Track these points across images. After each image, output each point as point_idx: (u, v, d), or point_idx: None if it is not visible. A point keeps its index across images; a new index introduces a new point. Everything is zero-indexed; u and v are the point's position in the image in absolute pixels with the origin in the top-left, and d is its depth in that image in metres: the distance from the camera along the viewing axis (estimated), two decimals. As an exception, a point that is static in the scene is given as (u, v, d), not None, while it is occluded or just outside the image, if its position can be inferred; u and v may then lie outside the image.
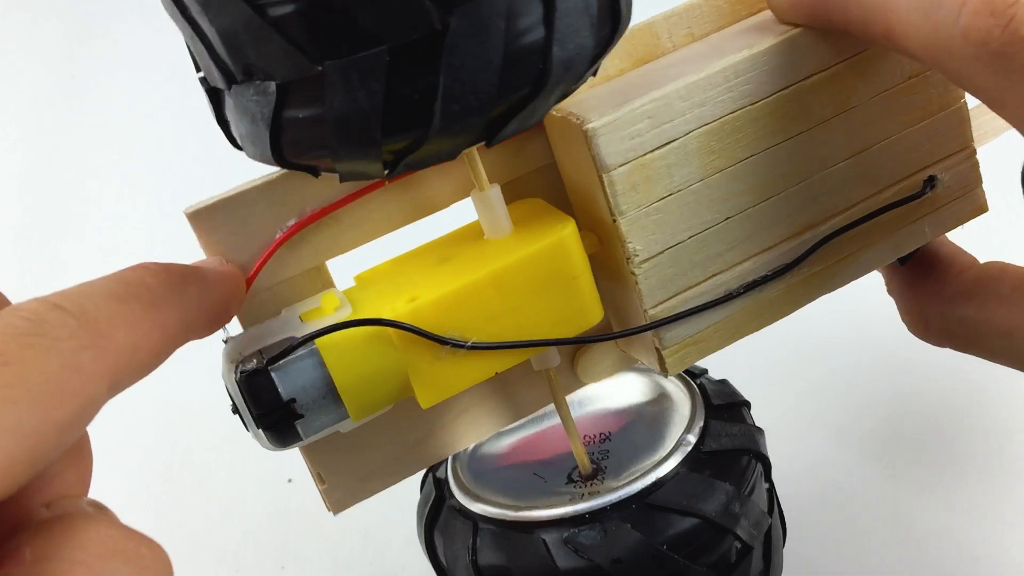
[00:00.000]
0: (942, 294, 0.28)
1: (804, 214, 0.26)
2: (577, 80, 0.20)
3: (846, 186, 0.26)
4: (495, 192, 0.24)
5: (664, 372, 0.26)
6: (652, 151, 0.24)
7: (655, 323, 0.25)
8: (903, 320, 0.30)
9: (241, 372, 0.23)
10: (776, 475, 0.29)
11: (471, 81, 0.18)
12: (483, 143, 0.20)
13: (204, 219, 0.24)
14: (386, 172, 0.20)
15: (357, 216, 0.25)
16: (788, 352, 0.44)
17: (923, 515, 0.36)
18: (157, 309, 0.20)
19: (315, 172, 0.22)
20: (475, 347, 0.24)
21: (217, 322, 0.23)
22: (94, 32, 0.43)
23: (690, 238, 0.25)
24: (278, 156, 0.20)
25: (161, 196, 0.53)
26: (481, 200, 0.24)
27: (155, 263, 0.22)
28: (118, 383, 0.19)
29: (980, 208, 0.28)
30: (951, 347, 0.29)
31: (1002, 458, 0.38)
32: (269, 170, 0.24)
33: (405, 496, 0.32)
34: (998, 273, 0.27)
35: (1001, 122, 0.31)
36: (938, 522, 0.36)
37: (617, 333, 0.25)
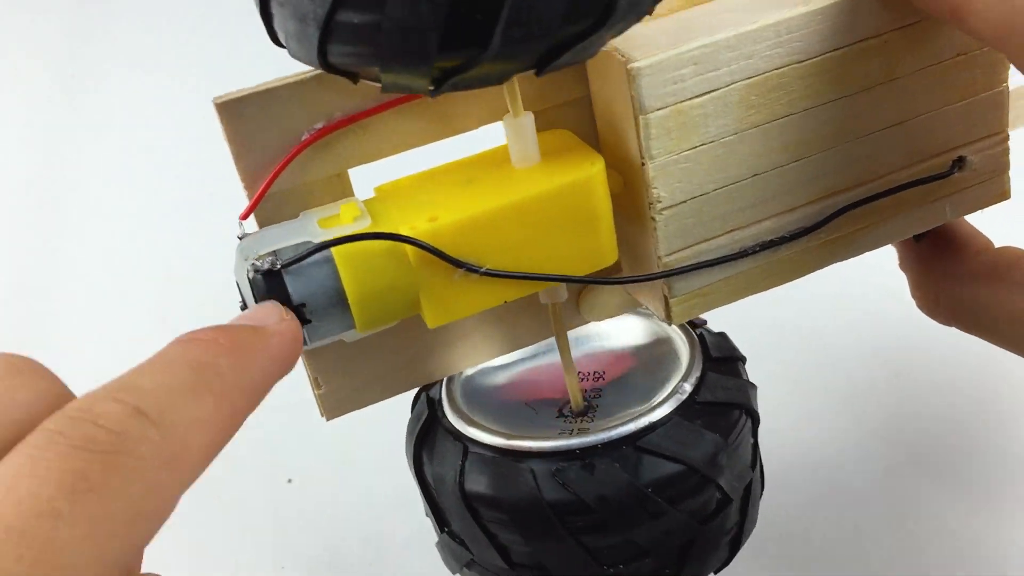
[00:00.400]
0: (956, 274, 0.28)
1: (831, 180, 0.26)
2: (640, 17, 0.20)
3: (876, 157, 0.26)
4: (528, 119, 0.24)
5: (668, 320, 0.26)
6: (692, 98, 0.23)
7: (668, 272, 0.25)
8: (913, 296, 0.30)
9: (255, 271, 0.22)
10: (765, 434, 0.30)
11: (537, 8, 0.18)
12: (533, 71, 0.20)
13: (233, 111, 0.23)
14: (431, 89, 0.20)
15: (385, 127, 0.25)
16: (790, 325, 0.44)
17: (918, 502, 0.37)
18: (228, 399, 0.19)
19: (355, 79, 0.21)
20: (488, 273, 0.23)
21: (272, 386, 0.21)
22: (94, 32, 0.44)
23: (715, 191, 0.25)
24: (323, 59, 0.20)
25: (162, 196, 0.52)
26: (513, 126, 0.24)
27: (223, 335, 0.19)
28: (185, 491, 0.17)
29: (1003, 194, 0.28)
30: (958, 327, 0.29)
31: (1003, 449, 0.39)
32: (299, 69, 0.24)
33: (405, 497, 0.32)
34: (1015, 259, 0.27)
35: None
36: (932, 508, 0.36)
37: (630, 278, 0.25)
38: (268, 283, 0.22)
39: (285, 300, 0.23)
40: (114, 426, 0.16)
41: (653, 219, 0.24)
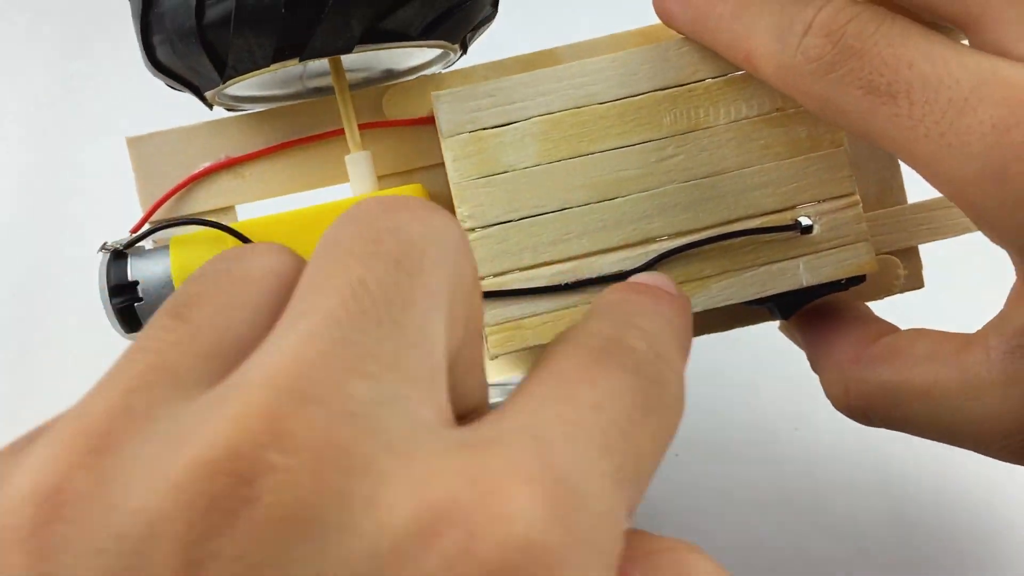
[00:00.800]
0: (860, 359, 0.27)
1: (651, 224, 0.26)
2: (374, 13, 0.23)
3: (698, 206, 0.26)
4: (363, 155, 0.27)
5: (488, 352, 0.26)
6: (490, 127, 0.26)
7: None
8: (827, 395, 0.29)
9: (105, 251, 0.27)
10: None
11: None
12: (296, 58, 0.24)
13: (140, 145, 0.29)
14: (220, 75, 0.24)
15: (262, 173, 0.29)
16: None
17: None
18: (686, 358, 0.19)
19: (196, 91, 0.26)
20: (298, 271, 0.26)
21: None
22: (94, 32, 0.44)
23: (523, 219, 0.26)
24: (156, 63, 0.25)
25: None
26: (351, 161, 0.28)
27: (665, 296, 0.20)
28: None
29: (867, 265, 0.26)
30: (876, 421, 0.27)
31: None
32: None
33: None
34: (915, 335, 0.26)
35: (961, 221, 0.29)
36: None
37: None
38: (115, 263, 0.26)
39: (123, 277, 0.26)
40: (650, 362, 0.17)
41: (462, 242, 0.26)
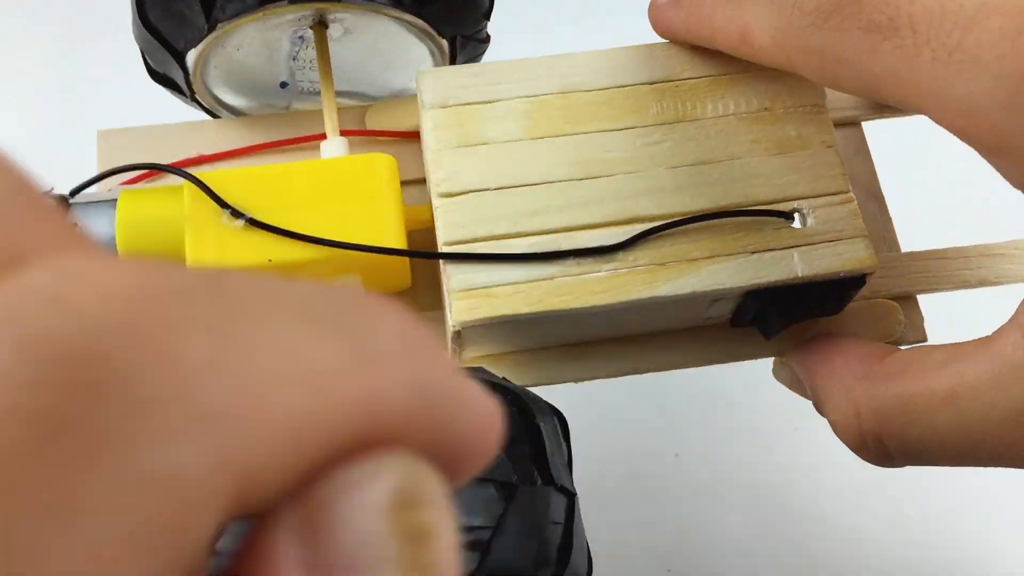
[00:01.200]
0: (869, 375, 0.24)
1: (635, 204, 0.25)
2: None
3: (687, 191, 0.25)
4: (342, 142, 0.27)
5: (451, 317, 0.23)
6: (473, 103, 0.25)
7: (441, 254, 0.24)
8: (836, 428, 0.25)
9: (48, 198, 0.25)
10: None
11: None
12: (284, 2, 0.24)
13: (110, 138, 0.28)
14: (207, 20, 0.24)
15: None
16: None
17: None
18: None
19: (175, 51, 0.26)
20: (252, 222, 0.24)
21: None
22: (94, 32, 0.44)
23: (499, 188, 0.25)
24: (145, 21, 0.26)
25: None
26: (328, 147, 0.27)
27: None
28: None
29: (866, 260, 0.24)
30: (893, 446, 0.24)
31: None
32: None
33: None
34: (928, 348, 0.24)
35: (957, 274, 0.28)
36: None
37: (400, 251, 0.24)
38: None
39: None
40: None
41: (436, 207, 0.24)
